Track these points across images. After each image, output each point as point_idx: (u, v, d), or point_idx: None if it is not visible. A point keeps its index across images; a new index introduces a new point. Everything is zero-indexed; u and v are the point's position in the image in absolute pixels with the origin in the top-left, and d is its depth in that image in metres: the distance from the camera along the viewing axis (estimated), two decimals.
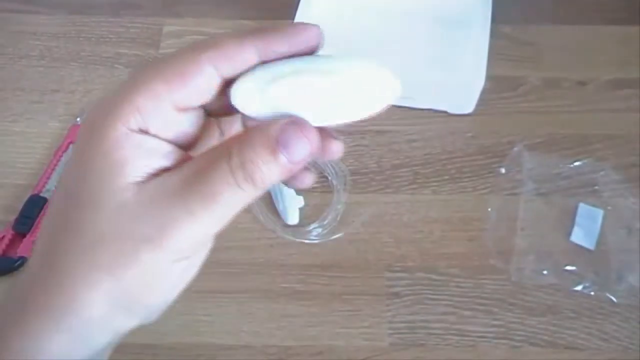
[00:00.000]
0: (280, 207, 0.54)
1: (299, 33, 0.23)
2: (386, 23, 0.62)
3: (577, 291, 0.52)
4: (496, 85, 0.63)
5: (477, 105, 0.60)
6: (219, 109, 0.24)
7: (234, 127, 0.27)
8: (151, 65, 0.22)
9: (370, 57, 0.23)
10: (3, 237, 0.53)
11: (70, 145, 0.58)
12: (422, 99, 0.60)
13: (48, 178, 0.56)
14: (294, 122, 0.22)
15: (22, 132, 0.60)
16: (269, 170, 0.21)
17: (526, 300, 0.51)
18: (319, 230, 0.54)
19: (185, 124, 0.23)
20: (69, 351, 0.22)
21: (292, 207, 0.54)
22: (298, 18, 0.60)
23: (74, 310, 0.22)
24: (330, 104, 0.22)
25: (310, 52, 0.24)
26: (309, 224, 0.54)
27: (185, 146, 0.24)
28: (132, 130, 0.22)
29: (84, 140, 0.23)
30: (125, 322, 0.23)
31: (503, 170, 0.58)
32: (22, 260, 0.52)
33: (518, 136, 0.60)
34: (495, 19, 0.62)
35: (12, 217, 0.54)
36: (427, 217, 0.55)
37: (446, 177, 0.57)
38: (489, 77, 0.59)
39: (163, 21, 0.67)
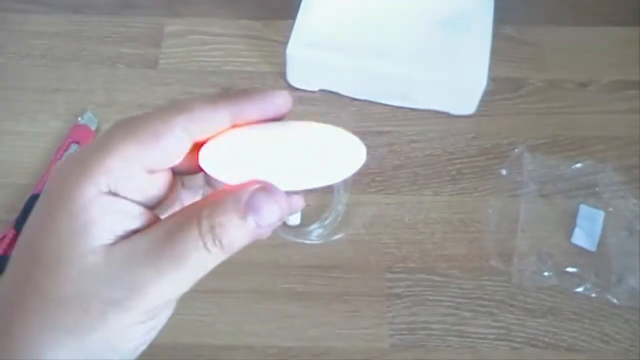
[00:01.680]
0: None
1: (269, 99, 0.24)
2: (387, 24, 0.62)
3: (578, 293, 0.52)
4: (498, 86, 0.63)
5: (479, 106, 0.60)
6: (186, 168, 0.24)
7: (196, 182, 0.27)
8: (122, 126, 0.22)
9: (339, 126, 0.24)
10: (4, 236, 0.53)
11: (72, 145, 0.58)
12: (423, 99, 0.60)
13: (49, 178, 0.56)
14: (264, 188, 0.22)
15: (23, 132, 0.60)
16: (237, 234, 0.22)
17: (527, 301, 0.51)
18: (320, 231, 0.54)
19: (154, 185, 0.23)
20: None
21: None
22: (299, 19, 0.60)
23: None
24: (299, 170, 0.23)
25: (280, 117, 0.24)
26: (310, 224, 0.54)
27: (152, 205, 0.24)
28: (102, 192, 0.22)
29: (51, 198, 0.22)
30: None
31: (504, 172, 0.58)
32: None
33: (519, 137, 0.60)
34: (497, 20, 0.61)
35: (13, 217, 0.54)
36: (428, 218, 0.55)
37: (447, 178, 0.57)
38: (491, 78, 0.59)
39: (164, 21, 0.67)
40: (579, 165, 0.58)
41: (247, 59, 0.65)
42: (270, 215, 0.22)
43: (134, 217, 0.23)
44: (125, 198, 0.22)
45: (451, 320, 0.51)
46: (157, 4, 0.69)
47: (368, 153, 0.61)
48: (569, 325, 0.50)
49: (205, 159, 0.23)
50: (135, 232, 0.22)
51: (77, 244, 0.21)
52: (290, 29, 0.60)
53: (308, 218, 0.55)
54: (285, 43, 0.60)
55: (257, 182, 0.22)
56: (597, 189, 0.57)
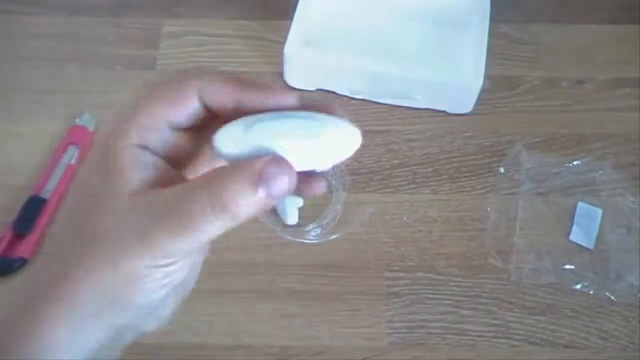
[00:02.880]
0: (279, 208, 0.54)
1: (281, 99, 0.26)
2: (385, 23, 0.62)
3: (576, 290, 0.52)
4: (495, 84, 0.63)
5: (476, 104, 0.61)
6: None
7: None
8: (149, 88, 0.26)
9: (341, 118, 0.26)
10: (2, 237, 0.53)
11: (70, 146, 0.58)
12: (420, 99, 0.60)
13: (47, 179, 0.56)
14: (276, 159, 0.23)
15: (21, 133, 0.60)
16: (246, 203, 0.23)
17: (525, 299, 0.52)
18: (318, 230, 0.54)
19: (178, 143, 0.26)
20: (70, 339, 0.24)
21: (291, 207, 0.54)
22: (297, 18, 0.60)
23: (70, 301, 0.24)
24: (305, 152, 0.24)
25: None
26: (308, 224, 0.54)
27: (179, 164, 0.26)
28: (134, 144, 0.24)
29: (94, 152, 0.25)
30: (115, 318, 0.24)
31: (502, 170, 0.58)
32: (22, 261, 0.52)
33: (517, 136, 0.60)
34: (494, 19, 0.62)
35: (12, 218, 0.54)
36: (426, 216, 0.55)
37: (445, 177, 0.58)
38: (488, 77, 0.59)
39: (162, 22, 0.67)
40: (576, 163, 0.58)
41: (244, 59, 0.65)
42: (280, 186, 0.23)
43: (160, 171, 0.25)
44: (153, 152, 0.25)
45: (450, 319, 0.51)
46: (155, 5, 0.69)
47: (366, 152, 0.61)
48: (567, 322, 0.51)
49: (217, 139, 0.24)
50: (163, 185, 0.24)
51: (109, 188, 0.24)
52: (287, 29, 0.60)
53: (306, 217, 0.55)
54: (283, 43, 0.60)
55: (270, 155, 0.23)
56: (595, 186, 0.57)
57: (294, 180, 0.24)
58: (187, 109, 0.26)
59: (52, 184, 0.56)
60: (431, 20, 0.62)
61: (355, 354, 0.49)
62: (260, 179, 0.23)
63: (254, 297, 0.51)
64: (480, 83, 0.58)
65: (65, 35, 0.66)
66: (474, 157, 0.59)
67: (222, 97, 0.26)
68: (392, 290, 0.52)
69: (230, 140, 0.24)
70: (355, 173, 0.57)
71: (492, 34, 0.61)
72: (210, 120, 0.26)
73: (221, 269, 0.52)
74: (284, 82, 0.63)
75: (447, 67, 0.59)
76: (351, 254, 0.53)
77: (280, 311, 0.51)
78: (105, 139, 0.25)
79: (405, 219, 0.55)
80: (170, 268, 0.24)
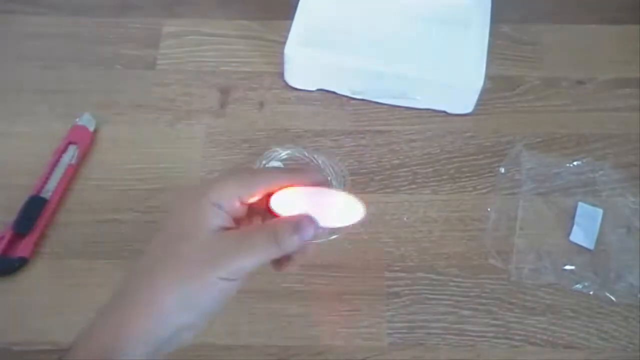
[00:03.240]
0: None
1: (317, 181, 0.38)
2: (385, 23, 0.62)
3: (576, 290, 0.52)
4: (495, 85, 0.63)
5: (477, 105, 0.61)
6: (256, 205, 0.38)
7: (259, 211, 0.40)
8: (229, 173, 0.37)
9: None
10: (3, 237, 0.53)
11: (70, 146, 0.58)
12: (421, 99, 0.60)
13: (47, 178, 0.56)
14: (307, 217, 0.36)
15: (22, 133, 0.60)
16: (288, 240, 0.35)
17: (525, 299, 0.52)
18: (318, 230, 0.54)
19: (239, 207, 0.36)
20: (148, 331, 0.33)
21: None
22: (297, 18, 0.60)
23: (155, 302, 0.33)
24: (325, 217, 0.36)
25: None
26: None
27: (236, 219, 0.37)
28: (212, 203, 0.35)
29: (183, 204, 0.36)
30: (184, 318, 0.34)
31: (502, 170, 0.58)
32: (22, 261, 0.52)
33: (517, 136, 0.60)
34: (494, 19, 0.62)
35: (12, 218, 0.54)
36: (426, 216, 0.55)
37: (445, 177, 0.58)
38: (488, 77, 0.59)
39: (162, 22, 0.67)
40: (577, 163, 0.58)
41: (245, 59, 0.65)
42: (308, 232, 0.35)
43: (228, 222, 0.36)
44: (223, 210, 0.35)
45: (450, 319, 0.51)
46: (155, 5, 0.69)
47: (367, 152, 0.61)
48: (567, 322, 0.51)
49: (274, 203, 0.37)
50: (227, 229, 0.35)
51: (200, 227, 0.35)
52: (287, 29, 0.60)
53: None
54: (283, 43, 0.60)
55: (304, 214, 0.36)
56: (596, 186, 0.57)
57: (318, 230, 0.35)
58: (248, 196, 0.36)
59: (52, 184, 0.56)
60: (432, 20, 0.62)
61: (355, 354, 0.49)
62: (297, 227, 0.35)
63: (254, 297, 0.51)
64: (481, 83, 0.58)
65: (66, 35, 0.66)
66: (474, 157, 0.59)
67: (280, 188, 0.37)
68: (392, 290, 0.52)
69: (281, 206, 0.37)
70: (355, 173, 0.57)
71: (492, 34, 0.61)
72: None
73: None
74: (285, 82, 0.63)
75: (447, 67, 0.59)
76: (351, 254, 0.53)
77: (280, 311, 0.51)
78: (194, 198, 0.36)
79: (405, 219, 0.55)
80: (232, 283, 0.34)
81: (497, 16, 0.62)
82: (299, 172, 0.38)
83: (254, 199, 0.37)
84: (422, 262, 0.53)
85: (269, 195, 0.38)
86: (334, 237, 0.54)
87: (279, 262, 0.38)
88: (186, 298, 0.33)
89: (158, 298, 0.33)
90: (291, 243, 0.35)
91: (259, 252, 0.34)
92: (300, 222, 0.35)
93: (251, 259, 0.34)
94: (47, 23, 0.67)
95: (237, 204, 0.36)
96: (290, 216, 0.36)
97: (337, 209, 0.37)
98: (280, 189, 0.37)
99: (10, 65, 0.64)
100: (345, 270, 0.53)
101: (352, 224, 0.37)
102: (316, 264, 0.53)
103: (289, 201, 0.37)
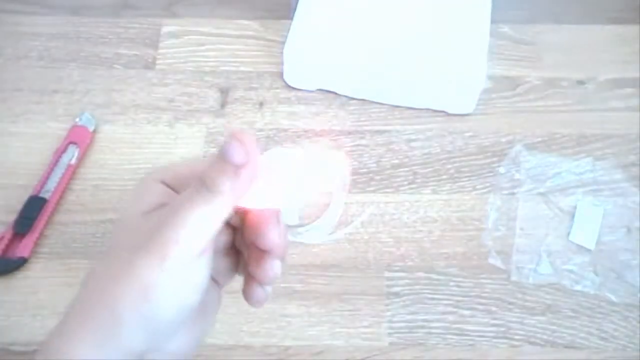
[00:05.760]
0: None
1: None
2: (384, 23, 0.62)
3: (576, 290, 0.52)
4: (495, 84, 0.63)
5: (477, 104, 0.60)
6: None
7: None
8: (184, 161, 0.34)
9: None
10: (2, 237, 0.53)
11: (70, 146, 0.58)
12: (421, 98, 0.60)
13: (47, 178, 0.56)
14: (234, 137, 0.28)
15: (21, 133, 0.60)
16: (218, 173, 0.27)
17: (525, 299, 0.51)
18: (319, 230, 0.54)
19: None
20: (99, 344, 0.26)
21: (291, 207, 0.54)
22: (297, 19, 0.60)
23: (105, 304, 0.26)
24: (299, 190, 0.30)
25: None
26: (309, 224, 0.54)
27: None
28: (155, 180, 0.30)
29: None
30: (135, 337, 0.26)
31: (502, 170, 0.58)
32: (22, 261, 0.52)
33: (517, 135, 0.60)
34: (494, 19, 0.62)
35: (12, 218, 0.54)
36: (426, 216, 0.55)
37: (445, 177, 0.58)
38: (489, 77, 0.59)
39: (162, 21, 0.67)
40: (577, 162, 0.58)
41: (244, 59, 0.65)
42: (234, 152, 0.27)
43: (170, 198, 0.30)
44: (168, 185, 0.30)
45: (450, 319, 0.51)
46: (155, 5, 0.69)
47: (367, 152, 0.61)
48: (567, 322, 0.51)
49: None
50: None
51: (126, 211, 0.29)
52: (287, 28, 0.60)
53: (307, 217, 0.55)
54: (283, 43, 0.60)
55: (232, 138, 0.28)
56: (595, 186, 0.57)
57: (250, 144, 0.28)
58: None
59: (52, 184, 0.56)
60: (432, 20, 0.62)
61: (355, 354, 0.49)
62: (223, 153, 0.27)
63: None
64: (481, 83, 0.58)
65: (65, 35, 0.66)
66: (474, 157, 0.59)
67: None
68: (392, 290, 0.52)
69: None
70: (355, 173, 0.57)
71: (492, 34, 0.61)
72: None
73: None
74: (284, 82, 0.63)
75: (447, 67, 0.59)
76: (351, 254, 0.53)
77: (280, 311, 0.51)
78: (147, 177, 0.31)
79: (405, 219, 0.55)
80: (180, 273, 0.26)
81: (497, 16, 0.62)
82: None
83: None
84: (422, 261, 0.53)
85: None
86: (334, 236, 0.54)
87: (248, 286, 0.32)
88: (126, 304, 0.26)
89: (92, 312, 0.26)
90: (224, 175, 0.27)
91: (188, 210, 0.26)
92: (226, 146, 0.27)
93: (182, 223, 0.26)
94: (47, 23, 0.67)
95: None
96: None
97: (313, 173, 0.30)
98: None
99: (10, 65, 0.64)
100: (345, 270, 0.53)
101: (336, 183, 0.30)
102: (316, 264, 0.53)
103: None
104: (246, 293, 0.32)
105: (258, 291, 0.32)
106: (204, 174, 0.27)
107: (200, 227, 0.27)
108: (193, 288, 0.28)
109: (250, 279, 0.32)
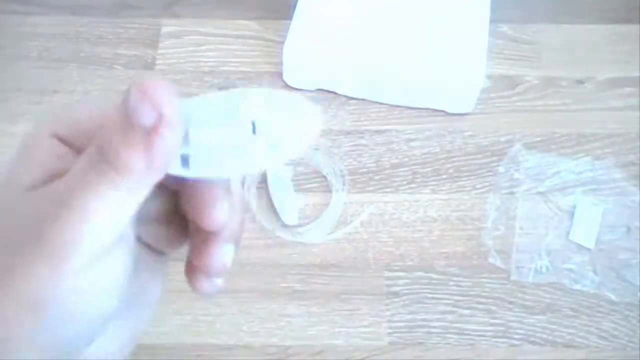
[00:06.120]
0: (278, 207, 0.54)
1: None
2: (384, 23, 0.62)
3: (576, 289, 0.52)
4: (495, 84, 0.63)
5: (476, 104, 0.60)
6: None
7: None
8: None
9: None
10: None
11: None
12: (420, 98, 0.60)
13: None
14: (136, 84, 0.19)
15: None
16: (119, 140, 0.19)
17: (525, 298, 0.52)
18: (318, 230, 0.54)
19: None
20: None
21: (291, 207, 0.54)
22: (296, 19, 0.60)
23: None
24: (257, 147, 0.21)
25: None
26: (308, 223, 0.54)
27: None
28: (52, 135, 0.21)
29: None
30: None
31: (502, 169, 0.58)
32: None
33: (517, 135, 0.60)
34: (494, 19, 0.62)
35: None
36: (426, 216, 0.55)
37: (445, 177, 0.58)
38: (488, 76, 0.59)
39: (161, 22, 0.67)
40: (576, 162, 0.58)
41: (244, 59, 0.65)
42: (140, 109, 0.19)
43: (65, 160, 0.21)
44: (71, 144, 0.22)
45: (450, 318, 0.51)
46: (154, 5, 0.69)
47: (366, 152, 0.61)
48: (567, 321, 0.51)
49: None
50: None
51: (6, 182, 0.20)
52: (287, 28, 0.60)
53: (306, 217, 0.55)
54: (282, 43, 0.60)
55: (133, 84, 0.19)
56: (595, 186, 0.57)
57: (166, 101, 0.19)
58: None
59: None
60: (431, 20, 0.62)
61: (354, 353, 0.49)
62: (126, 111, 0.19)
63: (253, 296, 0.51)
64: (480, 83, 0.58)
65: (65, 35, 0.66)
66: (473, 156, 0.59)
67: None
68: (391, 289, 0.52)
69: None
70: (354, 173, 0.57)
71: (492, 34, 0.61)
72: None
73: None
74: (284, 82, 0.63)
75: (447, 66, 0.59)
76: (351, 254, 0.53)
77: (279, 311, 0.51)
78: (31, 129, 0.22)
79: (405, 218, 0.55)
80: (83, 277, 0.19)
81: (497, 16, 0.62)
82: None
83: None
84: (422, 261, 0.53)
85: None
86: (334, 236, 0.54)
87: (192, 273, 0.24)
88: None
89: None
90: (131, 146, 0.19)
91: (86, 197, 0.18)
92: (126, 98, 0.19)
93: (79, 215, 0.18)
94: (47, 23, 0.67)
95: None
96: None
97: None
98: None
99: (10, 65, 0.64)
100: (344, 270, 0.53)
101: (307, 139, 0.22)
102: (315, 263, 0.53)
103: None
104: (189, 279, 0.24)
105: (203, 282, 0.24)
106: (101, 138, 0.19)
107: (105, 219, 0.19)
108: (105, 292, 0.20)
109: (193, 265, 0.24)
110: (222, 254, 0.23)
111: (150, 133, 0.19)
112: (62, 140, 0.21)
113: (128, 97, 0.19)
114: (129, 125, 0.19)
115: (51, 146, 0.21)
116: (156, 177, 0.20)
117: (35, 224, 0.19)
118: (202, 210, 0.22)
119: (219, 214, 0.22)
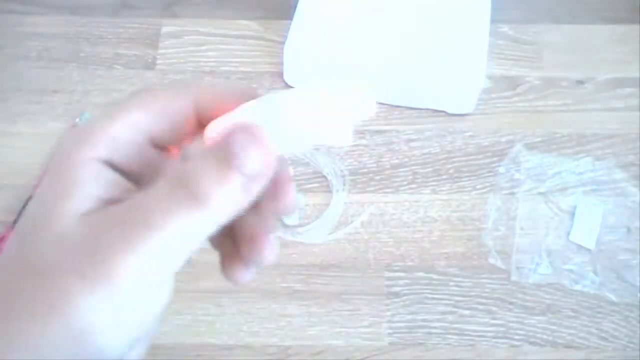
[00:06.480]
0: None
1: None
2: (384, 23, 0.62)
3: (576, 290, 0.52)
4: (495, 84, 0.63)
5: (476, 104, 0.60)
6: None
7: None
8: (135, 98, 0.22)
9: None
10: (2, 237, 0.53)
11: None
12: (420, 98, 0.60)
13: None
14: (245, 129, 0.19)
15: (21, 133, 0.60)
16: (212, 182, 0.19)
17: (525, 299, 0.52)
18: (319, 230, 0.54)
19: (151, 161, 0.22)
20: None
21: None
22: (297, 19, 0.60)
23: (22, 349, 0.18)
24: (303, 134, 0.21)
25: None
26: (308, 223, 0.54)
27: (139, 181, 0.22)
28: (97, 158, 0.20)
29: (53, 165, 0.21)
30: None
31: (502, 170, 0.58)
32: None
33: (517, 135, 0.60)
34: (494, 19, 0.62)
35: (12, 218, 0.54)
36: (426, 216, 0.55)
37: (445, 177, 0.58)
38: (488, 77, 0.59)
39: (161, 22, 0.67)
40: (577, 162, 0.58)
41: (244, 59, 0.65)
42: (254, 159, 0.19)
43: (120, 190, 0.21)
44: (119, 168, 0.21)
45: (450, 319, 0.51)
46: (154, 5, 0.69)
47: (366, 152, 0.61)
48: (567, 322, 0.51)
49: (211, 134, 0.22)
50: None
51: (55, 207, 0.19)
52: (287, 28, 0.60)
53: (307, 217, 0.55)
54: (283, 43, 0.60)
55: (237, 125, 0.19)
56: (595, 186, 0.57)
57: (271, 151, 0.20)
58: (176, 126, 0.22)
59: None
60: (431, 20, 0.62)
61: (355, 353, 0.49)
62: (227, 153, 0.19)
63: (253, 296, 0.51)
64: (481, 83, 0.58)
65: (65, 35, 0.66)
66: (474, 156, 0.59)
67: (222, 106, 0.22)
68: (392, 290, 0.52)
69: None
70: (355, 173, 0.57)
71: (492, 34, 0.61)
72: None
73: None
74: (284, 82, 0.63)
75: (447, 67, 0.59)
76: (351, 254, 0.53)
77: (280, 311, 0.51)
78: (67, 150, 0.20)
79: (405, 219, 0.55)
80: (134, 305, 0.19)
81: (497, 16, 0.62)
82: (243, 95, 0.22)
83: (177, 139, 0.22)
84: (422, 261, 0.53)
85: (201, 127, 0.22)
86: (334, 236, 0.54)
87: (230, 263, 0.24)
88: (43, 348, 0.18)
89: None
90: (220, 187, 0.19)
91: (158, 224, 0.18)
92: (232, 140, 0.19)
93: (151, 253, 0.18)
94: (47, 23, 0.67)
95: (147, 150, 0.21)
96: (215, 136, 0.20)
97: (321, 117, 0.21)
98: (220, 109, 0.22)
99: (10, 65, 0.64)
100: (344, 270, 0.53)
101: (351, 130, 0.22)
102: (316, 264, 0.53)
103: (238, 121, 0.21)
104: (229, 273, 0.25)
105: (244, 273, 0.24)
106: (186, 172, 0.19)
107: (172, 248, 0.19)
108: (150, 319, 0.20)
109: (233, 257, 0.24)
110: (271, 244, 0.23)
111: (250, 179, 0.19)
112: (105, 162, 0.21)
113: (232, 140, 0.19)
114: (227, 167, 0.19)
115: (100, 173, 0.20)
116: (235, 213, 0.20)
117: (91, 248, 0.18)
118: (279, 193, 0.22)
119: (293, 192, 0.23)
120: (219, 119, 0.22)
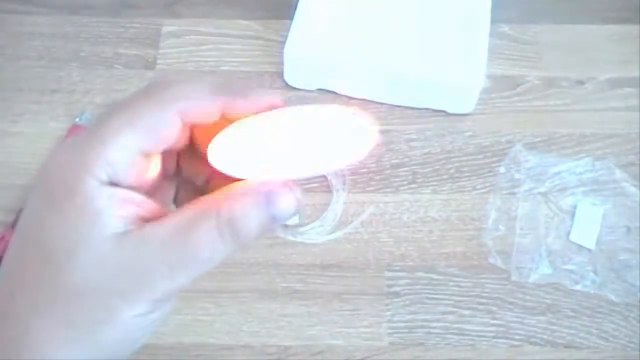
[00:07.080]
0: None
1: (264, 100, 0.25)
2: (385, 23, 0.62)
3: (576, 290, 0.52)
4: (495, 84, 0.63)
5: (476, 104, 0.60)
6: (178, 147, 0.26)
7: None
8: (118, 114, 0.22)
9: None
10: (2, 237, 0.53)
11: None
12: (421, 98, 0.60)
13: None
14: (283, 182, 0.23)
15: (21, 133, 0.60)
16: (254, 225, 0.22)
17: (525, 299, 0.52)
18: (319, 230, 0.54)
19: (149, 169, 0.24)
20: None
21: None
22: (297, 19, 0.60)
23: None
24: (309, 158, 0.23)
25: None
26: (309, 223, 0.54)
27: (148, 189, 0.24)
28: (103, 183, 0.22)
29: (51, 192, 0.22)
30: None
31: (502, 170, 0.58)
32: None
33: (517, 135, 0.60)
34: (494, 19, 0.62)
35: (12, 218, 0.54)
36: (426, 216, 0.55)
37: (445, 177, 0.58)
38: (488, 77, 0.59)
39: (162, 21, 0.67)
40: (577, 162, 0.58)
41: (244, 59, 0.65)
42: (286, 208, 0.23)
43: (138, 204, 0.23)
44: (126, 187, 0.23)
45: (450, 319, 0.51)
46: (155, 5, 0.69)
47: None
48: (567, 322, 0.51)
49: (214, 155, 0.23)
50: (144, 220, 0.22)
51: (89, 234, 0.21)
52: (287, 28, 0.60)
53: (307, 217, 0.55)
54: (283, 43, 0.60)
55: (277, 181, 0.23)
56: (595, 186, 0.57)
57: (301, 200, 0.23)
58: (166, 138, 0.23)
59: None
60: (431, 20, 0.62)
61: (355, 353, 0.49)
62: (267, 201, 0.22)
63: (253, 296, 0.51)
64: (481, 83, 0.58)
65: (65, 35, 0.66)
66: (474, 156, 0.59)
67: (209, 114, 0.24)
68: (392, 290, 0.52)
69: (227, 157, 0.23)
70: (355, 173, 0.57)
71: (492, 34, 0.61)
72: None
73: (221, 269, 0.52)
74: (284, 81, 0.63)
75: (447, 66, 0.59)
76: (351, 254, 0.53)
77: (280, 311, 0.51)
78: (67, 180, 0.22)
79: (405, 218, 0.55)
80: (160, 313, 0.23)
81: (497, 16, 0.62)
82: (236, 95, 0.24)
83: (169, 146, 0.23)
84: (422, 261, 0.53)
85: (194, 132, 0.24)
86: (334, 236, 0.54)
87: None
88: (95, 354, 0.22)
89: None
90: (257, 228, 0.22)
91: (202, 262, 0.22)
92: (272, 190, 0.22)
93: (194, 271, 0.22)
94: (47, 23, 0.67)
95: (139, 162, 0.23)
96: (253, 184, 0.23)
97: (326, 140, 0.23)
98: (213, 116, 0.23)
99: (10, 65, 0.64)
100: (345, 270, 0.53)
101: (359, 158, 0.24)
102: (316, 263, 0.53)
103: (239, 148, 0.23)
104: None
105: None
106: (233, 212, 0.22)
107: (203, 273, 0.22)
108: (163, 319, 0.24)
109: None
110: None
111: (278, 221, 0.23)
112: (108, 184, 0.22)
113: (275, 194, 0.22)
114: (268, 217, 0.22)
115: (109, 194, 0.22)
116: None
117: (131, 269, 0.21)
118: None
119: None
120: (218, 137, 0.23)
